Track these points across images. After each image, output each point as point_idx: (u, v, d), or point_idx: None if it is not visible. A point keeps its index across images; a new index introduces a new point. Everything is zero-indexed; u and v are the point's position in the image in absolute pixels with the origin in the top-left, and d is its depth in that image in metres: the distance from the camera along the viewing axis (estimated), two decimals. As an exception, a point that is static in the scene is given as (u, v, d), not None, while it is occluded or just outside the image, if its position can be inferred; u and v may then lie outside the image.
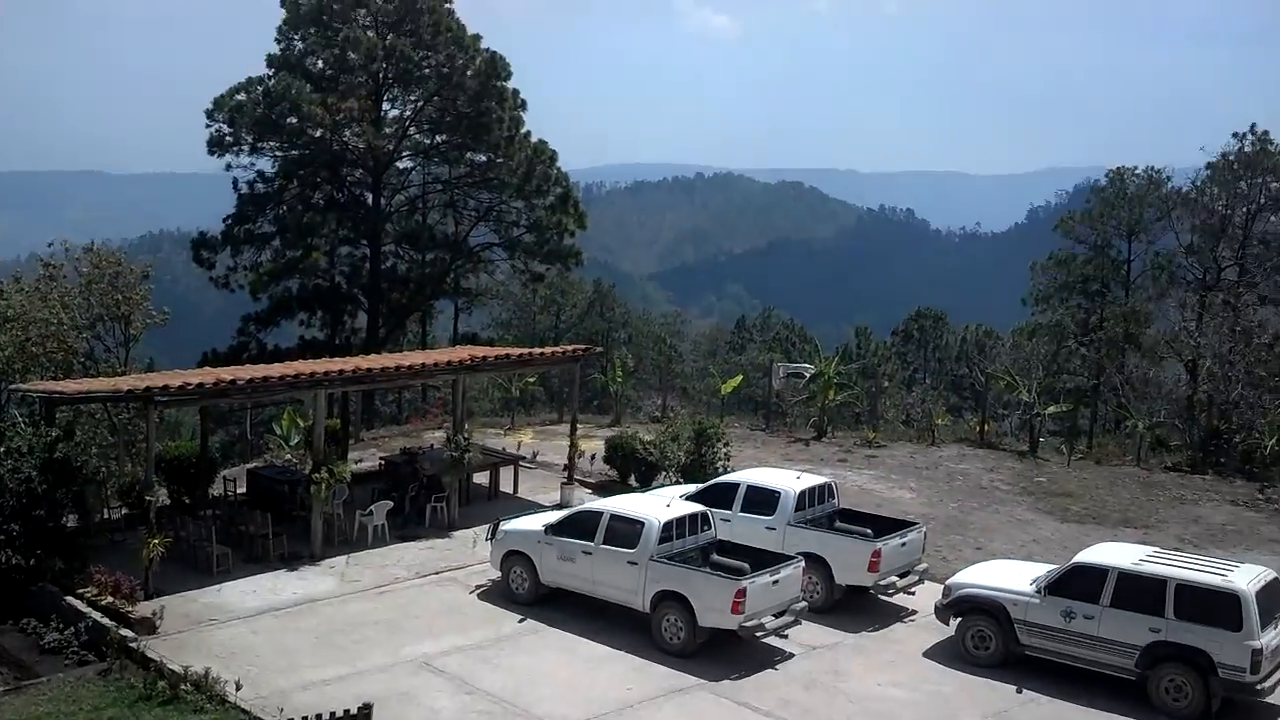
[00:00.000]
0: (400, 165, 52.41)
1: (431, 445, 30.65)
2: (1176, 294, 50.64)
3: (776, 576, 19.34)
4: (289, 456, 31.37)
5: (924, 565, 22.53)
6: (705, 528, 20.78)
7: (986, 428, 38.19)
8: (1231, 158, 51.76)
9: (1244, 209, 51.80)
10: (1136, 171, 58.23)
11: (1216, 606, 16.93)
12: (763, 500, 22.40)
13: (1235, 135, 52.29)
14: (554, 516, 22.12)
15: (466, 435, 26.63)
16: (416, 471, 26.99)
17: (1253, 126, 52.00)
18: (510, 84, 49.36)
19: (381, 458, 30.52)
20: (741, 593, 18.58)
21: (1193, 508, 29.59)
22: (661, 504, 21.11)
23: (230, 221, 49.04)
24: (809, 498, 22.48)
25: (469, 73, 48.84)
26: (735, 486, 23.03)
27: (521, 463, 30.45)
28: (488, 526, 23.22)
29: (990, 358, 53.96)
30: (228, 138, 47.42)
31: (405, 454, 29.05)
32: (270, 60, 48.57)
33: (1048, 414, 37.28)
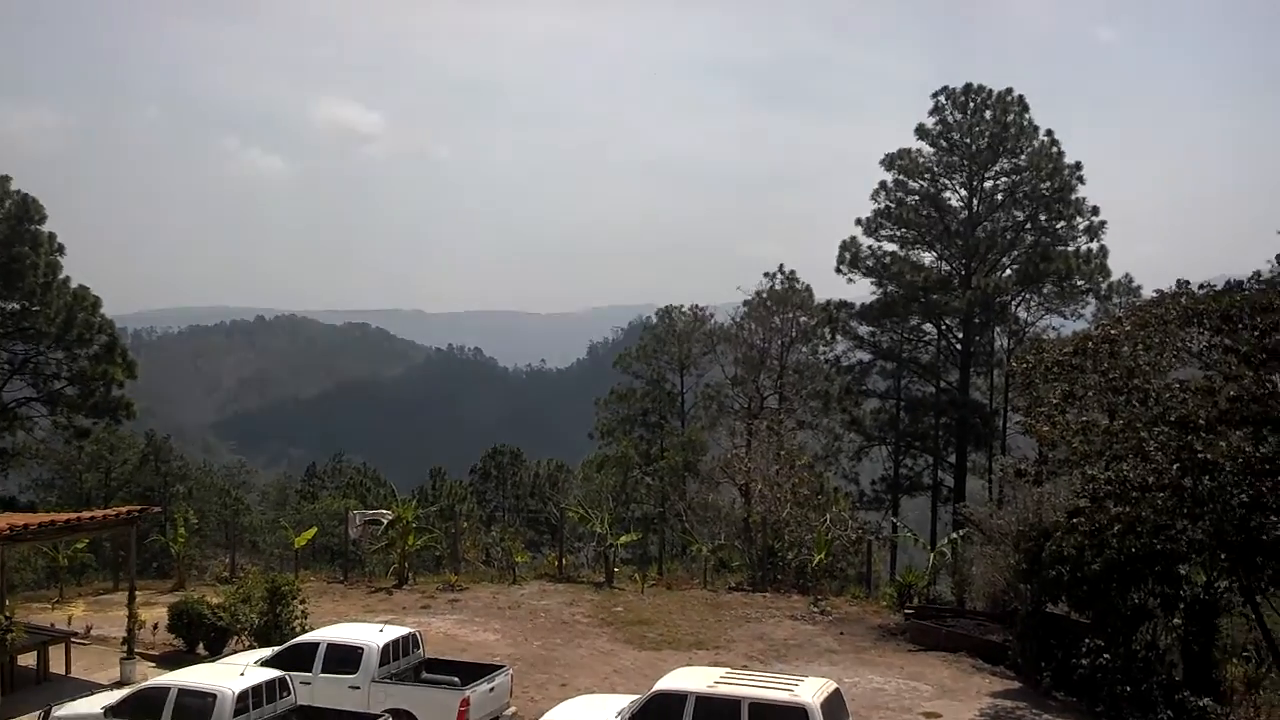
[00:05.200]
0: (-82, 317, 47.40)
1: (-37, 628, 27.17)
2: (726, 422, 54.47)
3: (362, 738, 18.55)
4: None
5: (512, 709, 22.38)
6: (284, 694, 19.61)
7: (564, 561, 38.97)
8: (765, 295, 56.80)
9: (779, 341, 56.83)
10: (683, 310, 62.73)
11: (788, 720, 17.86)
12: (344, 658, 21.54)
13: (766, 274, 57.63)
14: (114, 697, 20.15)
15: (8, 613, 23.96)
16: (-54, 660, 23.83)
17: (781, 266, 57.60)
18: (45, 227, 46.47)
19: (-100, 648, 26.69)
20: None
21: (757, 625, 31.42)
22: (234, 673, 19.74)
23: None
24: (393, 651, 21.85)
25: (-3, 216, 45.57)
26: (315, 646, 22.02)
27: (73, 639, 27.70)
28: (37, 714, 20.80)
29: (563, 491, 55.47)
30: None
31: (-69, 641, 25.59)
32: None
33: (620, 544, 38.59)
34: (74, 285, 47.62)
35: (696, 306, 63.13)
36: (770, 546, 38.64)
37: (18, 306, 47.33)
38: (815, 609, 33.10)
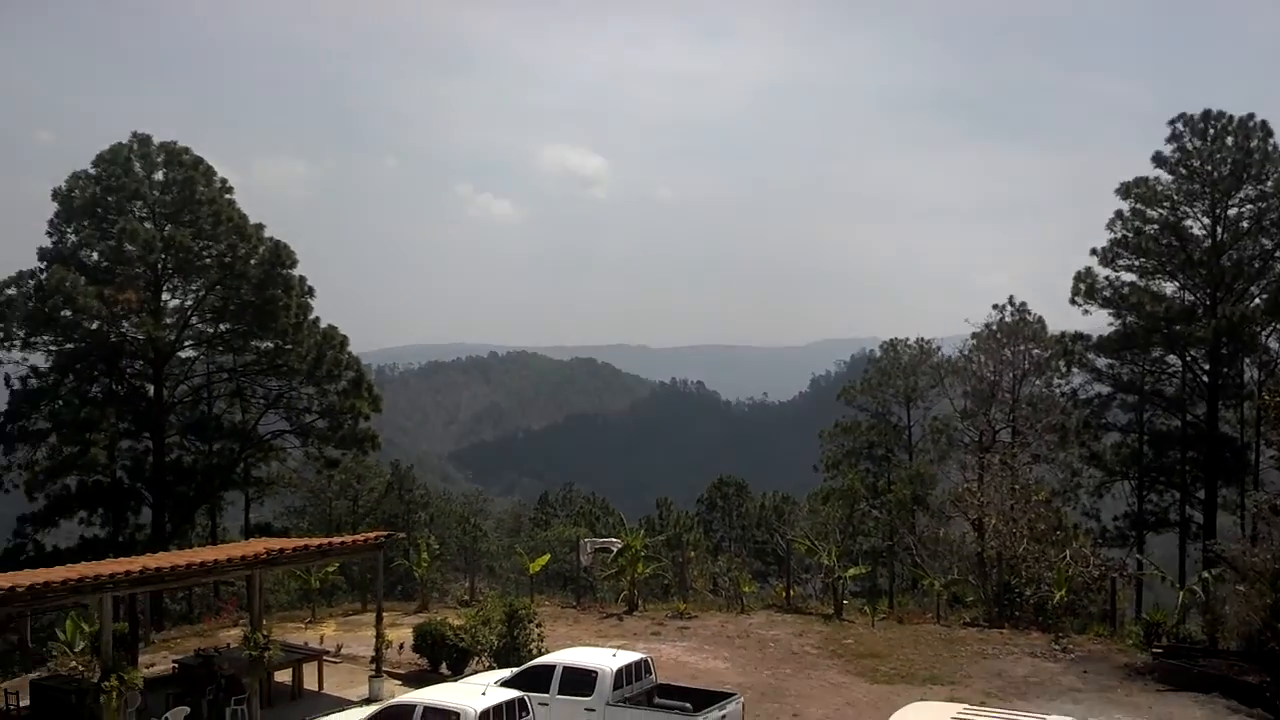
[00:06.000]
0: (183, 355, 50.89)
1: (228, 644, 29.13)
2: (957, 456, 53.04)
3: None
4: (74, 664, 29.31)
5: (744, 736, 22.43)
6: (524, 714, 20.25)
7: (791, 592, 38.80)
8: (994, 327, 55.22)
9: (1010, 374, 55.08)
10: (909, 342, 61.73)
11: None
12: (580, 681, 22.09)
13: (996, 306, 55.95)
14: (363, 713, 21.24)
15: (265, 632, 25.48)
16: (213, 673, 25.58)
17: (1010, 298, 55.90)
18: (296, 271, 49.20)
19: (175, 661, 28.80)
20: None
21: (994, 662, 30.54)
22: (476, 692, 20.52)
23: (2, 419, 46.53)
24: (626, 675, 22.27)
25: (252, 261, 48.60)
26: (551, 668, 22.68)
27: (325, 657, 29.22)
28: (293, 728, 22.08)
29: (789, 523, 55.12)
30: (-2, 334, 45.50)
31: (200, 655, 27.50)
32: (42, 253, 47.05)
33: (849, 576, 38.17)
34: (323, 325, 50.05)
35: (922, 339, 62.12)
36: (1006, 582, 37.51)
37: (271, 345, 50.11)
38: (1056, 646, 31.96)
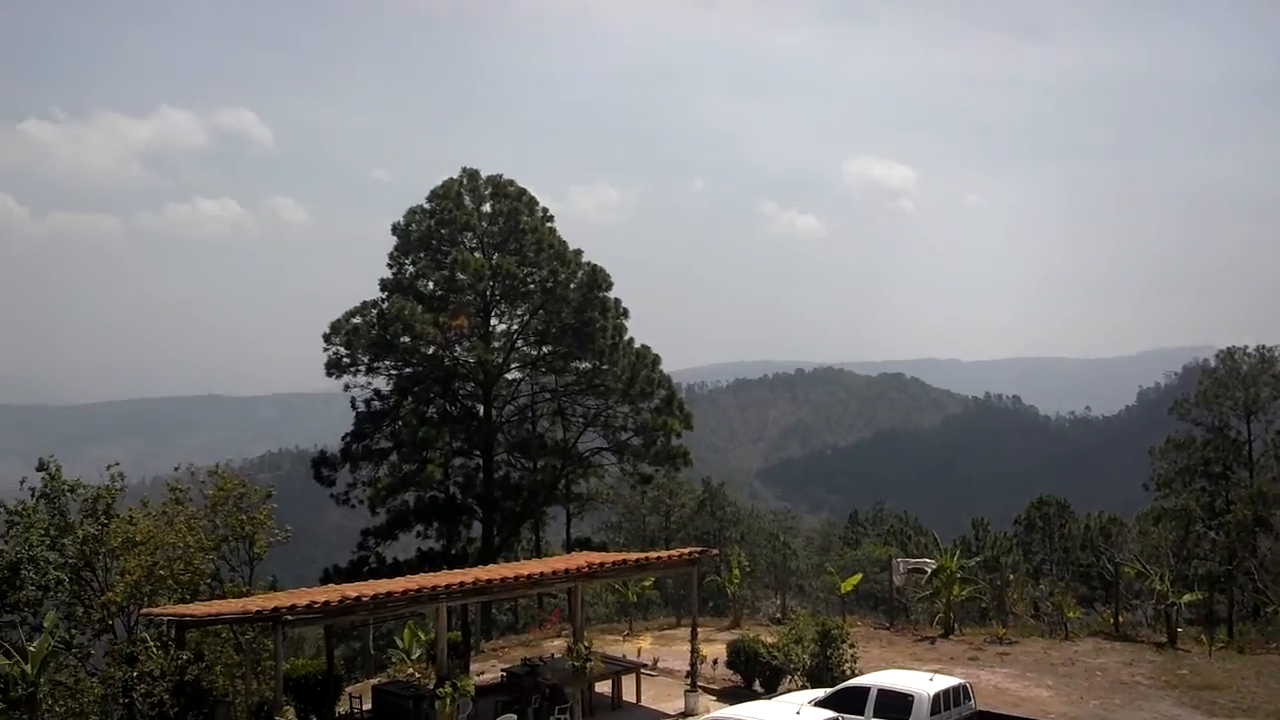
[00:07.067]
0: (509, 377, 53.67)
1: (552, 655, 30.39)
2: (1305, 474, 49.04)
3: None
4: (412, 671, 31.34)
5: (1070, 769, 21.54)
6: (839, 734, 20.22)
7: (1120, 619, 36.84)
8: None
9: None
10: (1248, 351, 57.59)
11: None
12: (896, 705, 21.82)
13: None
14: (680, 727, 21.72)
15: (587, 644, 26.43)
16: (538, 682, 26.75)
17: (1366, 300, 51.13)
18: (611, 294, 50.82)
19: (503, 669, 30.35)
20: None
21: (1350, 697, 28.02)
22: (790, 711, 20.66)
23: (349, 439, 50.44)
24: (944, 700, 21.83)
25: (571, 285, 50.59)
26: (866, 690, 22.50)
27: (643, 670, 30.00)
28: (613, 738, 22.83)
29: (1117, 546, 52.35)
30: (344, 359, 49.33)
31: (526, 665, 28.89)
32: (383, 284, 50.68)
33: (1183, 602, 35.88)
34: (636, 345, 51.52)
35: (1263, 347, 57.84)
36: (1366, 612, 34.31)
37: (590, 366, 51.99)
38: None
